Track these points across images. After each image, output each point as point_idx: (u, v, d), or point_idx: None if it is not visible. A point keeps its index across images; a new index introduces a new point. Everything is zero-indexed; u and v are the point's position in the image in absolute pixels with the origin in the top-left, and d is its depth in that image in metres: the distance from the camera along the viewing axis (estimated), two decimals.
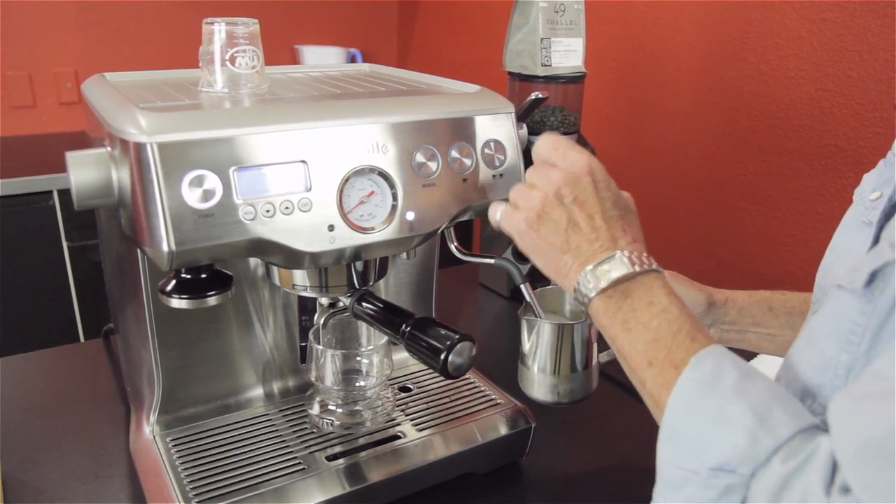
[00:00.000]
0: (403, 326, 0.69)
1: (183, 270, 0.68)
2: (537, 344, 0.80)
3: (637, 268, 0.56)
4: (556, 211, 0.59)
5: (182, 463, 0.76)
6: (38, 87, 2.51)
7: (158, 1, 2.60)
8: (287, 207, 0.63)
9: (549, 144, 0.63)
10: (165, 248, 0.59)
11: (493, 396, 0.91)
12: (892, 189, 0.56)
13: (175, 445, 0.79)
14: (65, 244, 2.13)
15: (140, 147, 0.59)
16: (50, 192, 2.09)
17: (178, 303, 0.67)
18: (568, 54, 1.26)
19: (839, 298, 0.50)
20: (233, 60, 0.76)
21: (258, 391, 0.89)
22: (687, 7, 1.74)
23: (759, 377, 0.50)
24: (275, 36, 2.84)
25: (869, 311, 0.48)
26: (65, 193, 2.08)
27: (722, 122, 1.72)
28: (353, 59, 2.94)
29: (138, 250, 0.73)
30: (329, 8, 2.95)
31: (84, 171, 0.62)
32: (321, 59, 2.85)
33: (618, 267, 0.56)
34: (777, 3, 1.55)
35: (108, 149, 0.63)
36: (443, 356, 0.65)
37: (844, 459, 0.41)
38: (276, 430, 0.83)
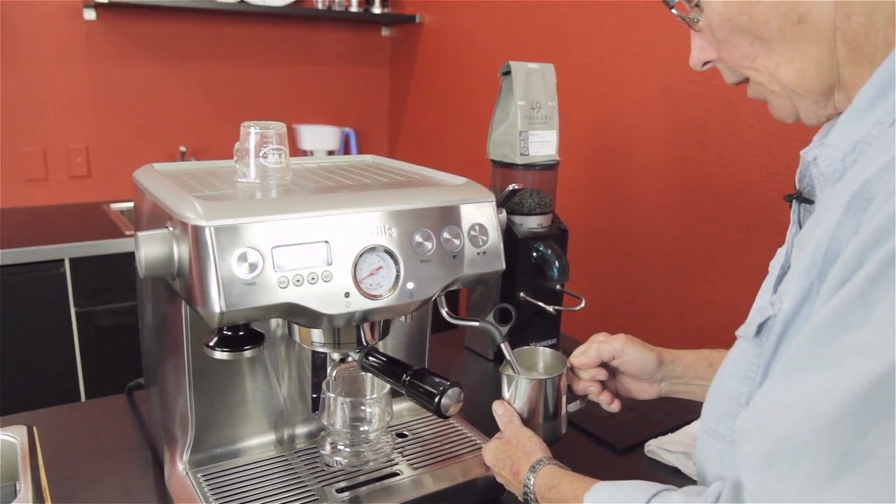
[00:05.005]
0: (404, 376, 0.84)
1: (225, 328, 0.82)
2: (515, 395, 0.95)
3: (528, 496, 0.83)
4: (499, 477, 0.91)
5: (213, 494, 0.89)
6: (51, 161, 2.68)
7: (162, 82, 2.80)
8: (313, 278, 0.79)
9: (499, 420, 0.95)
10: (217, 309, 0.74)
11: (478, 441, 1.05)
12: (783, 260, 0.73)
13: (206, 480, 0.92)
14: (73, 309, 2.25)
15: (199, 229, 0.75)
16: (62, 261, 2.22)
17: (220, 354, 0.82)
18: (543, 144, 1.44)
19: (738, 345, 0.67)
20: (265, 156, 0.93)
21: (276, 435, 1.02)
22: (652, 97, 1.95)
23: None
24: (274, 116, 3.03)
25: (759, 353, 0.64)
26: (75, 262, 2.22)
27: (686, 201, 1.90)
28: (346, 138, 3.14)
29: (182, 312, 0.88)
30: (325, 90, 3.17)
31: (152, 248, 0.77)
32: (317, 137, 3.04)
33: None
34: (730, 98, 1.75)
35: (171, 229, 0.79)
36: (437, 399, 0.80)
37: (745, 467, 0.57)
38: (293, 468, 0.96)
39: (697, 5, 0.71)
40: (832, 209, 0.58)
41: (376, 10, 3.01)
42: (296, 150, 3.09)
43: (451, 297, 2.31)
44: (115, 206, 2.70)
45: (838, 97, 0.67)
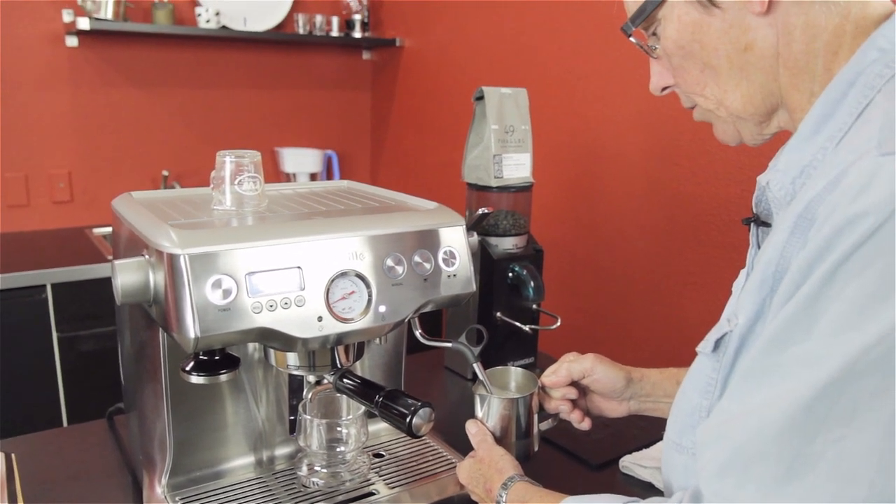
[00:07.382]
0: (377, 397, 0.86)
1: (201, 353, 0.84)
2: (488, 414, 0.97)
3: None
4: (473, 495, 0.93)
5: None
6: (34, 187, 2.69)
7: (145, 107, 2.83)
8: (286, 303, 0.81)
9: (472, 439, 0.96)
10: (192, 335, 0.76)
11: (452, 460, 1.07)
12: (744, 281, 0.76)
13: (184, 503, 0.93)
14: (55, 335, 2.25)
15: (174, 257, 0.77)
16: (43, 286, 2.22)
17: (196, 379, 0.84)
18: (517, 167, 1.47)
19: (698, 361, 0.71)
20: (240, 184, 0.95)
21: (253, 457, 1.04)
22: (626, 118, 1.99)
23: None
24: (257, 140, 3.07)
25: (717, 367, 0.67)
26: (57, 287, 2.22)
27: (662, 220, 1.93)
28: (329, 161, 3.17)
29: (160, 338, 0.90)
30: (307, 114, 3.20)
31: (128, 275, 0.79)
32: (300, 160, 3.07)
33: None
34: None
35: (147, 257, 0.81)
36: (408, 419, 0.82)
37: (704, 475, 0.59)
38: (270, 490, 0.98)
39: (654, 33, 0.75)
40: (780, 229, 0.62)
41: (357, 34, 3.05)
42: (278, 173, 3.11)
43: (432, 319, 2.33)
44: (98, 231, 2.71)
45: (781, 116, 0.71)
